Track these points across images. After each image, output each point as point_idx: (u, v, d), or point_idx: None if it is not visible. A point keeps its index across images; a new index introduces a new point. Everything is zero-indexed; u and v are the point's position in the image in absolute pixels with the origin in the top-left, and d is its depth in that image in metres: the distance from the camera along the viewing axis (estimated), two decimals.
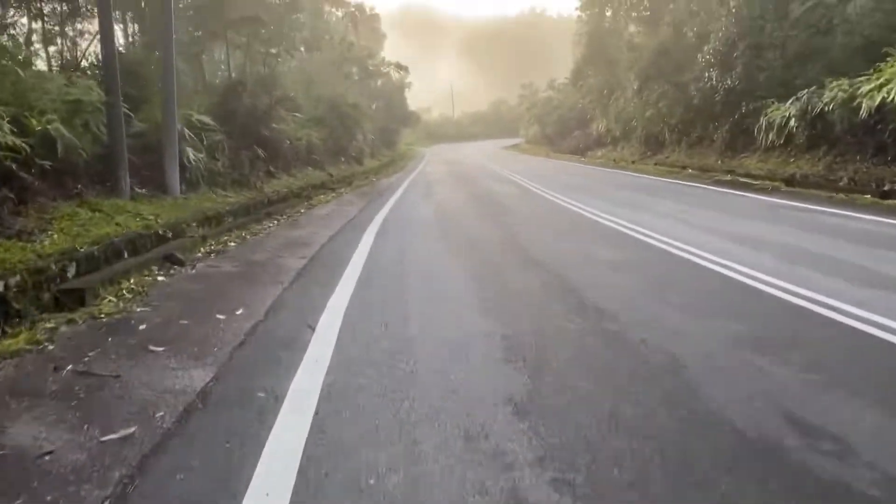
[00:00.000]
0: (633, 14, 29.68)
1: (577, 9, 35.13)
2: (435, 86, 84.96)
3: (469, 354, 3.77)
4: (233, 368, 3.62)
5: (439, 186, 18.39)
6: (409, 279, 6.01)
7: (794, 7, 16.65)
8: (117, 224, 7.70)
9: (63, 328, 4.37)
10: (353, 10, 32.89)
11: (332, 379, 3.39)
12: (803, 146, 14.87)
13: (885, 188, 10.73)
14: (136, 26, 16.75)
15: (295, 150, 17.35)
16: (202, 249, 7.56)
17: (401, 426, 2.82)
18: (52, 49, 14.58)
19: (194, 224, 8.90)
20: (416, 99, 56.23)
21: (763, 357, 3.64)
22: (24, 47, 12.59)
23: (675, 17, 22.39)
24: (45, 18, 14.36)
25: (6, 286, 4.79)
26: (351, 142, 24.45)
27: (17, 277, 4.99)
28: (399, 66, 38.51)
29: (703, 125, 20.61)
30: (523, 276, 6.02)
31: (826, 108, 13.40)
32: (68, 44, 14.77)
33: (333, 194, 16.01)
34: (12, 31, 13.40)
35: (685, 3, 21.74)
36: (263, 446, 2.65)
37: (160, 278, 5.98)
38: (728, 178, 15.76)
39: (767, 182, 14.16)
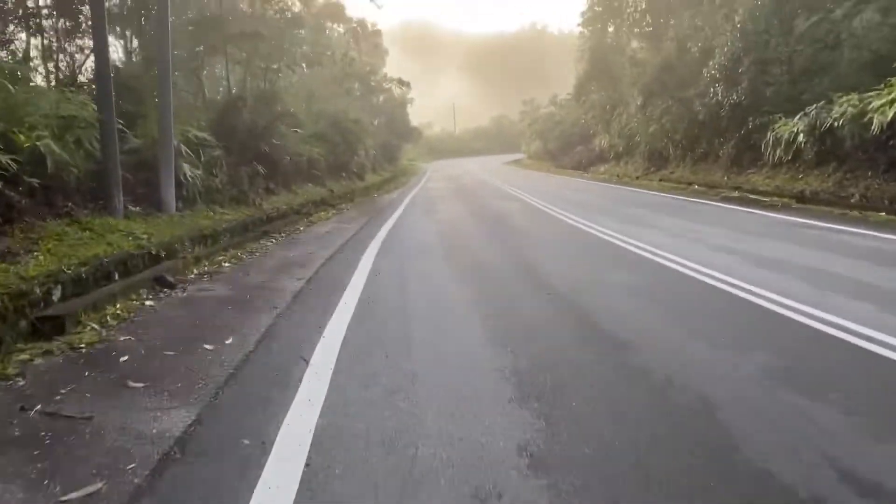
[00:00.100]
0: (636, 30, 29.61)
1: (578, 24, 35.16)
2: (436, 101, 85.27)
3: (478, 393, 3.43)
4: (217, 409, 3.28)
5: (441, 203, 18.12)
6: (410, 304, 5.67)
7: (799, 22, 16.49)
8: (108, 244, 7.40)
9: (38, 360, 4.04)
10: (354, 25, 32.89)
11: (326, 422, 3.06)
12: (812, 162, 14.60)
13: None
14: (137, 42, 16.61)
15: (295, 166, 17.10)
16: (195, 270, 7.25)
17: (403, 483, 2.48)
18: (51, 65, 14.43)
19: (188, 243, 8.60)
20: (417, 114, 56.29)
21: (801, 396, 3.31)
22: (21, 62, 12.40)
23: (679, 33, 22.25)
24: (45, 34, 14.21)
25: None
26: (352, 157, 24.25)
27: None
28: (401, 82, 38.49)
29: (709, 141, 20.38)
30: (533, 301, 5.69)
31: (835, 124, 13.15)
32: (68, 59, 14.62)
33: (334, 211, 15.74)
34: (12, 47, 13.28)
35: (689, 18, 21.59)
36: None
37: (148, 303, 5.66)
38: (736, 194, 15.49)
39: (777, 199, 13.88)
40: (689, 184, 19.12)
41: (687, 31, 21.63)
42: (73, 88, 9.94)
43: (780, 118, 15.55)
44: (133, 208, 9.22)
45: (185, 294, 6.09)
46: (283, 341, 4.51)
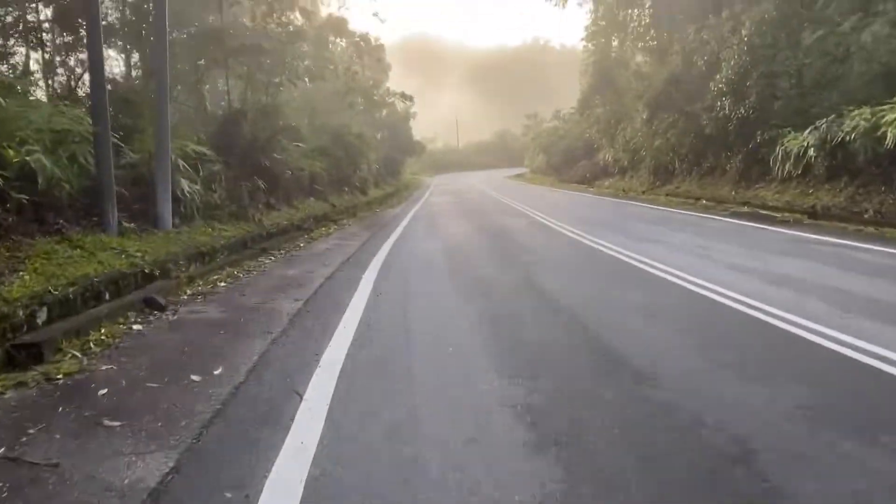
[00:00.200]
0: (640, 44, 29.48)
1: (582, 39, 35.09)
2: (439, 116, 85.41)
3: (488, 435, 3.10)
4: (199, 454, 2.96)
5: (445, 218, 17.84)
6: (413, 329, 5.33)
7: (806, 35, 16.29)
8: (99, 262, 7.11)
9: (9, 393, 3.73)
10: (357, 39, 32.86)
11: (320, 472, 2.72)
12: (822, 177, 14.31)
13: None
14: (138, 55, 16.49)
15: (297, 181, 16.87)
16: (188, 291, 6.94)
17: None
18: (53, 79, 14.28)
19: (183, 261, 8.31)
20: (420, 129, 56.25)
21: (846, 438, 2.97)
22: (21, 76, 12.24)
23: (685, 47, 22.07)
24: (46, 48, 14.08)
25: None
26: (355, 172, 24.04)
27: None
28: (404, 97, 38.37)
29: (715, 155, 20.12)
30: (544, 325, 5.36)
31: (847, 138, 12.87)
32: (69, 74, 14.48)
33: (335, 226, 15.47)
34: (13, 61, 13.15)
35: (694, 32, 21.41)
36: None
37: (136, 327, 5.35)
38: (745, 209, 15.18)
39: (788, 214, 13.58)
40: (697, 198, 18.82)
41: (693, 45, 21.44)
42: (67, 102, 9.70)
43: (790, 132, 15.28)
44: (128, 225, 8.95)
45: (175, 317, 5.78)
46: (276, 371, 4.18)
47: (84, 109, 9.75)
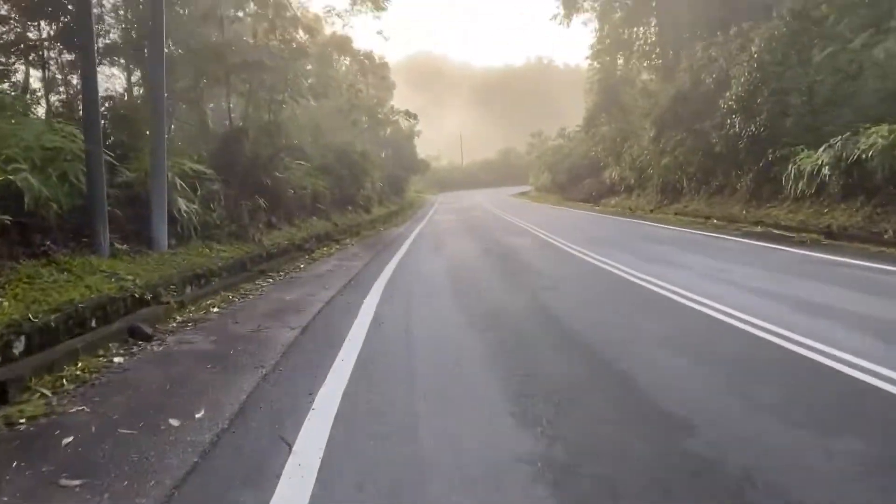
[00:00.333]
0: (646, 62, 29.33)
1: (587, 57, 35.01)
2: (443, 134, 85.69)
3: (504, 500, 2.66)
4: None
5: (450, 238, 17.44)
6: (417, 364, 4.88)
7: (816, 52, 16.00)
8: (86, 286, 6.74)
9: None
10: (361, 57, 32.85)
11: None
12: (837, 196, 13.88)
13: None
14: (139, 73, 16.31)
15: (299, 199, 16.55)
16: (178, 317, 6.53)
17: None
18: (54, 97, 14.09)
19: (176, 285, 7.92)
20: (424, 147, 56.31)
21: None
22: (20, 94, 12.03)
23: (692, 64, 21.82)
24: (47, 67, 13.90)
25: None
26: (359, 190, 23.75)
27: None
28: (408, 114, 38.26)
29: (725, 173, 19.74)
30: (560, 360, 4.91)
31: (864, 156, 12.47)
32: (69, 92, 14.28)
33: (338, 246, 15.09)
34: (14, 79, 12.97)
35: (702, 49, 21.17)
36: None
37: (117, 359, 4.94)
38: (758, 229, 14.74)
39: (804, 234, 13.13)
40: (707, 217, 18.39)
41: (701, 62, 21.19)
42: (60, 120, 9.40)
43: (802, 150, 14.91)
44: (120, 246, 8.59)
45: (161, 348, 5.37)
46: (264, 414, 3.75)
47: (79, 126, 9.48)
